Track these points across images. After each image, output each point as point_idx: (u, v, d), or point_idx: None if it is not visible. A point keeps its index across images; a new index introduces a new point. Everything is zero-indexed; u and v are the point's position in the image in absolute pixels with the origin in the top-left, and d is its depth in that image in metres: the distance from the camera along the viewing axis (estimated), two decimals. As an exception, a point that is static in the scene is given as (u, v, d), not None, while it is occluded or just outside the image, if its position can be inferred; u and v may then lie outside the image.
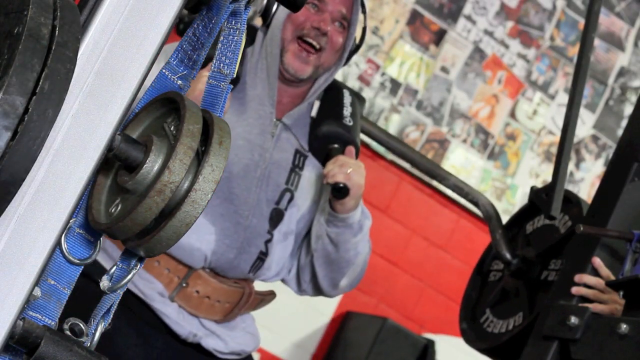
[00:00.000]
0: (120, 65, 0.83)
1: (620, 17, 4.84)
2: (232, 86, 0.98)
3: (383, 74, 4.46)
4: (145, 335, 2.10)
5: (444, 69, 4.57)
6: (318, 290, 2.26)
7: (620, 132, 4.71)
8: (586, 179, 4.78)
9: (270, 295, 2.26)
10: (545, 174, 4.67)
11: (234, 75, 0.97)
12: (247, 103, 2.13)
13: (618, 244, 1.93)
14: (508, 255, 2.33)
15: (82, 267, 0.90)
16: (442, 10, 4.54)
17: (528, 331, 2.05)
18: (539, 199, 2.25)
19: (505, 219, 2.47)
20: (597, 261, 1.91)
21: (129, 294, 2.08)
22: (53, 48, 0.73)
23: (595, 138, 4.81)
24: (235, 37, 0.97)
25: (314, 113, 2.22)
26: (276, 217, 2.14)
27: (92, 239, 0.91)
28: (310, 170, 2.19)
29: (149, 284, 2.09)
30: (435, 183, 4.48)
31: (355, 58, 4.34)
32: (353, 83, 4.39)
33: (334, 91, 2.25)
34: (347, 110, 2.22)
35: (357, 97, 2.30)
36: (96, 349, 0.88)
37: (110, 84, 0.82)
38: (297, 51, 2.10)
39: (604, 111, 4.82)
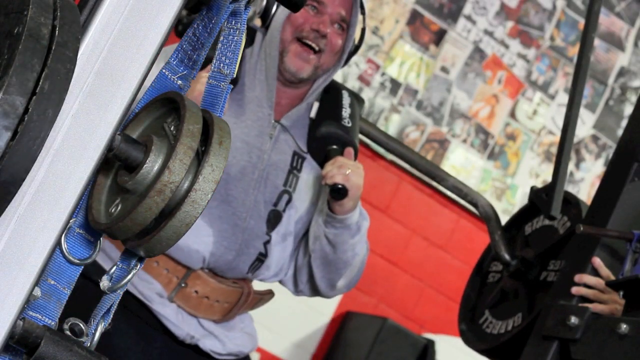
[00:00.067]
0: (120, 65, 0.83)
1: (620, 17, 4.84)
2: (232, 86, 0.98)
3: (383, 74, 4.46)
4: (144, 335, 2.11)
5: (444, 69, 4.57)
6: (315, 291, 2.26)
7: (620, 132, 4.71)
8: (586, 179, 4.78)
9: (268, 295, 2.26)
10: (545, 174, 4.67)
11: (234, 76, 0.97)
12: (246, 105, 2.13)
13: (618, 244, 1.93)
14: (507, 256, 2.33)
15: (82, 267, 0.91)
16: (442, 10, 4.54)
17: (527, 332, 2.05)
18: (539, 199, 2.25)
19: (505, 219, 2.47)
20: (597, 261, 1.91)
21: (127, 294, 2.08)
22: (53, 48, 0.73)
23: (595, 138, 4.81)
24: (235, 37, 0.97)
25: (313, 114, 2.22)
26: (274, 219, 2.14)
27: (92, 239, 0.91)
28: (308, 172, 2.19)
29: (147, 285, 2.09)
30: (435, 183, 4.47)
31: (355, 58, 4.34)
32: (353, 83, 4.39)
33: (333, 92, 2.25)
34: (345, 112, 2.22)
35: (356, 98, 2.30)
36: (96, 349, 0.88)
37: (110, 84, 0.82)
38: (298, 51, 2.10)
39: (604, 111, 4.82)
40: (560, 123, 2.30)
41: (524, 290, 2.26)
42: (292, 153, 2.17)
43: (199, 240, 2.07)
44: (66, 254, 0.89)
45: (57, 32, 0.73)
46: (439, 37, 4.55)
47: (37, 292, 0.85)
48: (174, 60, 0.96)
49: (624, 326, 1.69)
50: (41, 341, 0.80)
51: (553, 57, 4.74)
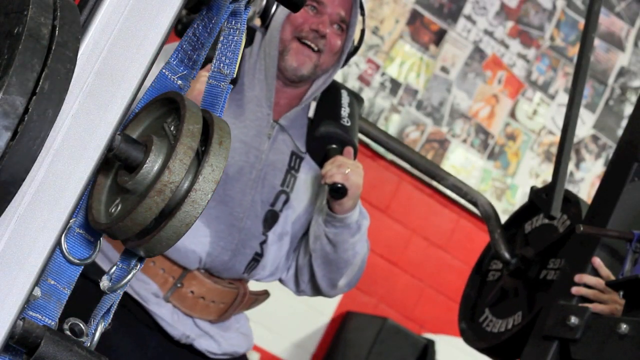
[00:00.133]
0: (120, 65, 0.83)
1: (620, 17, 4.84)
2: (232, 86, 0.98)
3: (383, 74, 4.46)
4: (140, 335, 2.11)
5: (444, 69, 4.57)
6: (316, 291, 2.26)
7: (620, 132, 4.71)
8: (586, 179, 4.78)
9: (264, 295, 2.26)
10: (545, 174, 4.67)
11: (234, 75, 0.97)
12: (245, 105, 2.13)
13: (618, 244, 1.93)
14: (507, 255, 2.33)
15: (82, 267, 0.91)
16: (442, 10, 4.54)
17: (527, 330, 2.05)
18: (539, 199, 2.26)
19: (505, 219, 2.47)
20: (597, 261, 1.91)
21: (124, 294, 2.08)
22: (53, 48, 0.72)
23: (595, 138, 4.81)
24: (235, 37, 0.97)
25: (311, 114, 2.22)
26: (271, 219, 2.14)
27: (92, 239, 0.91)
28: (306, 172, 2.19)
29: (143, 285, 2.10)
30: (435, 183, 4.48)
31: (355, 58, 4.34)
32: (353, 83, 4.39)
33: (332, 92, 2.25)
34: (345, 111, 2.22)
35: (356, 98, 2.30)
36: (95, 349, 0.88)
37: (110, 84, 0.82)
38: (300, 49, 2.11)
39: (604, 111, 4.82)
40: (560, 123, 2.30)
41: (524, 288, 2.26)
42: (290, 153, 2.17)
43: (195, 240, 2.07)
44: (66, 254, 0.89)
45: (57, 32, 0.73)
46: (439, 37, 4.55)
47: (37, 292, 0.85)
48: (174, 60, 0.96)
49: (624, 326, 1.69)
50: (41, 341, 0.80)
51: (553, 57, 4.74)
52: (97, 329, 0.91)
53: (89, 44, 0.82)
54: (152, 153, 0.85)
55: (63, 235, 0.87)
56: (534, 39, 4.70)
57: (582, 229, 1.88)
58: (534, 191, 2.31)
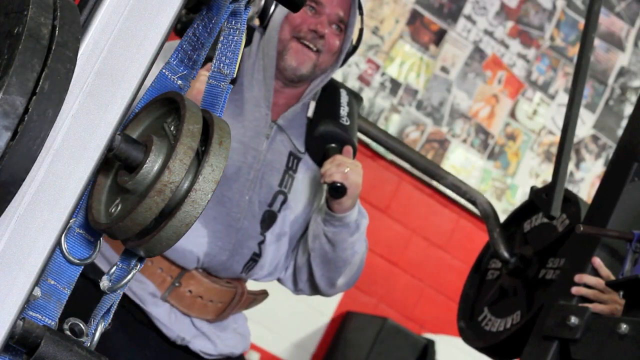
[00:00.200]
0: (120, 65, 0.83)
1: (620, 17, 4.84)
2: (232, 86, 0.98)
3: (383, 74, 4.46)
4: (138, 335, 2.11)
5: (444, 69, 4.57)
6: (315, 290, 2.26)
7: (620, 132, 4.71)
8: (586, 179, 4.77)
9: (262, 295, 2.26)
10: (545, 174, 4.67)
11: (234, 75, 0.97)
12: (243, 105, 2.13)
13: (618, 244, 1.92)
14: (506, 254, 2.33)
15: (82, 267, 0.91)
16: (442, 10, 4.54)
17: (526, 330, 2.05)
18: (539, 198, 2.25)
19: (504, 218, 2.47)
20: (597, 261, 1.91)
21: (122, 294, 2.08)
22: (53, 48, 0.72)
23: (595, 138, 4.81)
24: (235, 37, 0.97)
25: (310, 113, 2.22)
26: (268, 219, 2.14)
27: (92, 239, 0.91)
28: (304, 172, 2.19)
29: (140, 285, 2.10)
30: (435, 183, 4.48)
31: (355, 58, 4.34)
32: (353, 83, 4.39)
33: (331, 91, 2.25)
34: (344, 110, 2.22)
35: (355, 97, 2.30)
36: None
37: (110, 84, 0.82)
38: (299, 48, 2.11)
39: (604, 111, 4.82)
40: (560, 123, 2.30)
41: (523, 288, 2.26)
42: (288, 153, 2.17)
43: (193, 240, 2.07)
44: (66, 254, 0.89)
45: (57, 32, 0.73)
46: (439, 37, 4.55)
47: (37, 292, 0.85)
48: (174, 60, 0.96)
49: (624, 326, 1.69)
50: (41, 341, 0.80)
51: (553, 57, 4.74)
52: (97, 329, 0.91)
53: (89, 44, 0.82)
54: (152, 153, 0.85)
55: (63, 235, 0.87)
56: (534, 39, 4.70)
57: (582, 229, 1.88)
58: (534, 191, 2.31)
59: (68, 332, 0.87)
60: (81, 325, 0.88)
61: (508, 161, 4.66)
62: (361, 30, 2.21)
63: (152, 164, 0.85)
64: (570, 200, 2.24)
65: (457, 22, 4.56)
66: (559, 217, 2.25)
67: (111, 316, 0.92)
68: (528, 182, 4.60)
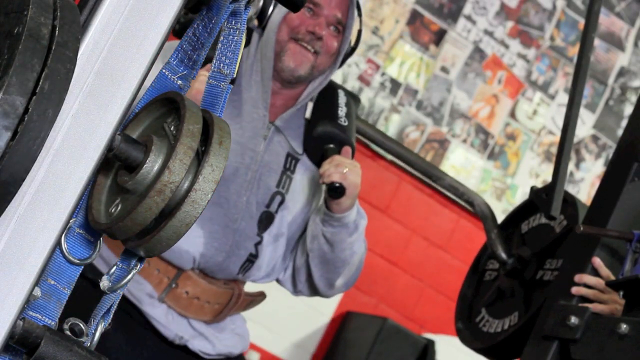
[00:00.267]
0: (120, 65, 0.83)
1: (620, 17, 4.84)
2: (232, 86, 0.98)
3: (383, 74, 4.46)
4: (136, 335, 2.11)
5: (444, 69, 4.57)
6: (314, 291, 2.26)
7: (620, 132, 4.71)
8: (586, 179, 4.77)
9: (260, 297, 2.26)
10: (545, 174, 4.67)
11: (234, 75, 0.97)
12: (241, 106, 2.13)
13: (618, 244, 1.92)
14: (503, 255, 2.33)
15: (82, 267, 0.91)
16: (442, 10, 4.54)
17: (524, 331, 2.05)
18: (539, 198, 2.25)
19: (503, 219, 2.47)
20: (597, 261, 1.91)
21: None
22: (53, 48, 0.72)
23: (595, 138, 4.81)
24: (235, 37, 0.97)
25: (308, 114, 2.22)
26: (266, 220, 2.14)
27: (92, 239, 0.91)
28: (302, 173, 2.19)
29: (137, 286, 2.10)
30: (435, 183, 4.48)
31: (355, 58, 4.35)
32: (353, 83, 4.39)
33: (329, 92, 2.25)
34: (342, 111, 2.23)
35: (352, 97, 2.30)
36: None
37: (110, 84, 0.82)
38: (297, 49, 2.10)
39: (604, 111, 4.82)
40: (560, 123, 2.30)
41: (521, 289, 2.26)
42: (286, 154, 2.17)
43: (189, 241, 2.07)
44: (66, 254, 0.89)
45: (57, 32, 0.73)
46: (439, 37, 4.54)
47: (37, 292, 0.85)
48: (174, 60, 0.96)
49: (624, 326, 1.69)
50: (41, 341, 0.80)
51: (553, 57, 4.74)
52: (97, 329, 0.91)
53: (89, 44, 0.82)
54: (152, 153, 0.85)
55: (63, 235, 0.87)
56: (534, 39, 4.70)
57: (582, 228, 1.88)
58: (534, 191, 2.31)
59: (68, 332, 0.87)
60: (81, 325, 0.88)
61: (508, 161, 4.66)
62: (359, 32, 2.21)
63: (152, 164, 0.85)
64: (568, 201, 2.24)
65: (457, 22, 4.56)
66: (556, 218, 2.25)
67: (111, 316, 0.92)
68: (528, 182, 4.59)
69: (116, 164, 0.90)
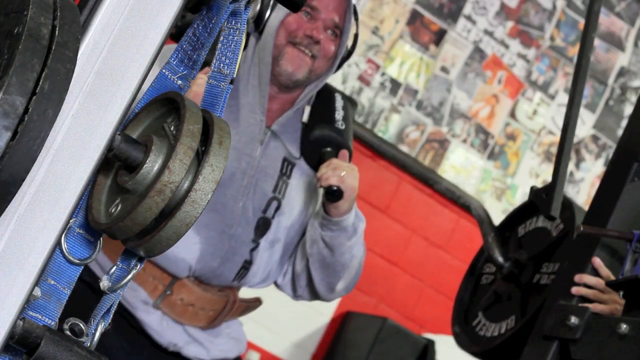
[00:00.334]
0: (120, 65, 0.83)
1: (620, 17, 4.84)
2: (232, 86, 0.98)
3: (383, 74, 4.45)
4: (132, 341, 2.11)
5: (444, 69, 4.56)
6: (314, 295, 2.26)
7: (620, 132, 4.71)
8: (586, 179, 4.77)
9: (255, 302, 2.26)
10: (545, 174, 4.67)
11: (234, 75, 0.97)
12: (239, 111, 2.13)
13: (618, 244, 1.92)
14: (500, 259, 2.33)
15: (82, 267, 0.90)
16: (442, 10, 4.54)
17: (521, 335, 2.05)
18: (539, 199, 2.25)
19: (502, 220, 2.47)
20: (597, 261, 1.91)
21: None
22: (53, 48, 0.72)
23: (595, 138, 4.81)
24: (235, 37, 0.97)
25: (305, 118, 2.21)
26: (263, 226, 2.14)
27: (92, 239, 0.91)
28: (298, 178, 2.18)
29: (132, 292, 2.09)
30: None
31: (355, 58, 4.34)
32: (353, 83, 4.39)
33: (326, 95, 2.25)
34: (339, 114, 2.23)
35: (349, 101, 2.30)
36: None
37: (110, 84, 0.82)
38: (294, 53, 2.10)
39: (604, 111, 4.82)
40: (560, 123, 2.30)
41: (517, 292, 2.26)
42: (282, 159, 2.16)
43: (185, 248, 2.07)
44: (66, 254, 0.89)
45: (57, 32, 0.73)
46: (439, 37, 4.54)
47: (37, 292, 0.85)
48: (174, 60, 0.96)
49: (624, 326, 1.69)
50: (41, 341, 0.80)
51: (553, 57, 4.74)
52: (97, 329, 0.91)
53: (89, 44, 0.82)
54: (152, 153, 0.85)
55: (63, 235, 0.87)
56: (534, 39, 4.70)
57: (582, 229, 1.88)
58: (534, 191, 2.30)
59: (68, 332, 0.87)
60: (81, 325, 0.88)
61: (508, 161, 4.66)
62: (356, 36, 2.21)
63: (152, 164, 0.85)
64: (565, 205, 2.24)
65: (457, 22, 4.56)
66: (553, 222, 2.25)
67: (111, 316, 0.92)
68: (528, 182, 4.59)
69: (116, 164, 0.90)
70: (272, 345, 4.22)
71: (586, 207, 2.14)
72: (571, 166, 4.71)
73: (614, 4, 4.81)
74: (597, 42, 4.72)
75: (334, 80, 2.26)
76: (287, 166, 2.17)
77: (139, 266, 0.91)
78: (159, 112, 0.92)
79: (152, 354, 2.13)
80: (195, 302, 2.12)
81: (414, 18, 4.49)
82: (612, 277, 1.88)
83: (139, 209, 0.83)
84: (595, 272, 1.91)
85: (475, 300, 2.40)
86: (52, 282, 0.87)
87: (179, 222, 0.84)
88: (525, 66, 4.69)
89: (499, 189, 4.62)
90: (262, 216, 2.13)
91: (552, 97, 4.74)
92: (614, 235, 1.88)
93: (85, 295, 1.48)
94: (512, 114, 4.67)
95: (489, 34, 4.62)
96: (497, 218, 2.51)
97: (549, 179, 2.27)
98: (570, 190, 4.73)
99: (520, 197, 4.62)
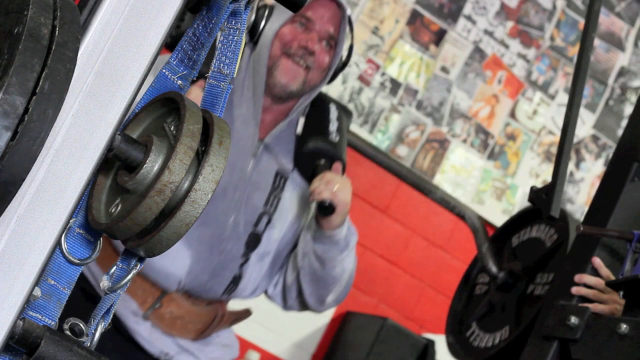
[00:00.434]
0: (120, 65, 0.83)
1: (620, 17, 4.84)
2: (232, 86, 0.98)
3: (383, 74, 4.45)
4: (122, 350, 2.12)
5: (444, 69, 4.56)
6: (304, 307, 2.26)
7: (620, 132, 4.71)
8: (586, 179, 4.77)
9: (245, 314, 2.27)
10: (545, 174, 4.67)
11: (234, 75, 0.97)
12: (232, 124, 2.12)
13: (618, 244, 1.92)
14: (494, 269, 2.32)
15: (82, 267, 0.90)
16: (442, 10, 4.54)
17: (514, 346, 2.05)
18: (539, 199, 2.25)
19: (505, 219, 2.46)
20: (597, 261, 1.91)
21: None
22: (53, 48, 0.72)
23: (595, 138, 4.81)
24: (235, 37, 0.97)
25: (299, 130, 2.21)
26: (254, 242, 2.14)
27: (92, 239, 0.91)
28: (291, 191, 2.18)
29: (122, 303, 2.10)
30: (435, 183, 4.48)
31: (355, 58, 4.34)
32: (353, 83, 4.39)
33: (320, 106, 2.24)
34: (333, 126, 2.22)
35: (344, 111, 2.30)
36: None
37: (110, 84, 0.82)
38: (289, 64, 2.10)
39: (604, 111, 4.82)
40: (560, 123, 2.30)
41: (512, 303, 2.25)
42: (275, 173, 2.16)
43: (175, 262, 2.07)
44: (66, 254, 0.89)
45: (57, 32, 0.73)
46: (439, 37, 4.54)
47: (37, 292, 0.85)
48: (174, 60, 0.96)
49: (624, 326, 1.68)
50: (41, 341, 0.80)
51: (553, 57, 4.74)
52: (97, 329, 0.91)
53: (89, 44, 0.82)
54: (152, 153, 0.85)
55: (63, 235, 0.87)
56: (534, 39, 4.70)
57: (582, 228, 1.88)
58: (534, 191, 2.30)
59: (68, 332, 0.87)
60: (81, 325, 0.88)
61: (508, 161, 4.66)
62: (351, 47, 2.21)
63: (152, 164, 0.85)
64: (560, 215, 2.24)
65: (457, 22, 4.56)
66: (547, 232, 2.25)
67: (111, 316, 0.92)
68: (528, 182, 4.59)
69: (116, 164, 0.90)
70: (272, 345, 4.22)
71: (586, 207, 2.14)
72: (571, 166, 4.71)
73: (614, 4, 4.81)
74: (597, 42, 4.72)
75: (334, 81, 2.26)
76: (279, 180, 2.16)
77: (139, 266, 0.91)
78: (159, 112, 0.92)
79: None
80: (184, 316, 2.13)
81: (414, 18, 4.49)
82: (612, 277, 1.88)
83: (139, 209, 0.83)
84: (595, 272, 1.91)
85: (469, 310, 2.40)
86: (52, 282, 0.87)
87: (179, 222, 0.84)
88: (525, 66, 4.69)
89: (499, 189, 4.62)
90: (253, 231, 2.13)
91: (552, 97, 4.74)
92: (614, 235, 1.88)
93: (78, 299, 1.48)
94: (512, 114, 4.67)
95: (489, 34, 4.62)
96: (497, 218, 2.51)
97: (549, 179, 2.27)
98: (570, 190, 4.73)
99: (520, 197, 4.62)
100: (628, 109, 4.81)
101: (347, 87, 4.36)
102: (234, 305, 2.28)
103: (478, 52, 4.60)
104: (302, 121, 2.20)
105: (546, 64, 4.73)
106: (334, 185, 2.07)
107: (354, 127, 4.34)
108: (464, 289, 2.45)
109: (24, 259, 0.79)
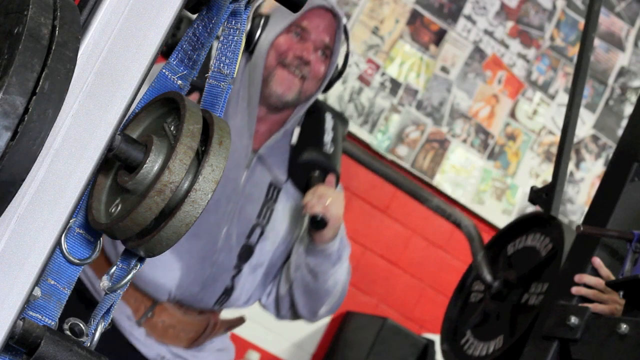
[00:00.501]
0: (120, 65, 0.83)
1: (620, 17, 4.84)
2: (232, 86, 0.98)
3: (383, 74, 4.45)
4: (118, 353, 2.12)
5: (444, 69, 4.56)
6: (297, 317, 2.27)
7: (620, 132, 4.71)
8: (586, 179, 4.77)
9: (238, 322, 2.27)
10: (545, 174, 4.67)
11: (234, 75, 0.97)
12: None
13: (618, 244, 1.92)
14: (489, 278, 2.32)
15: (82, 267, 0.90)
16: (442, 10, 4.54)
17: (509, 355, 2.05)
18: (539, 198, 2.25)
19: (505, 219, 2.47)
20: (597, 261, 1.91)
21: None
22: (53, 48, 0.72)
23: (595, 138, 4.81)
24: (235, 37, 0.97)
25: (294, 140, 2.20)
26: (246, 254, 2.14)
27: (92, 239, 0.91)
28: (284, 202, 2.17)
29: (118, 307, 2.10)
30: (435, 183, 4.48)
31: (355, 58, 4.34)
32: (353, 83, 4.39)
33: (316, 116, 2.24)
34: (328, 136, 2.22)
35: (340, 119, 2.29)
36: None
37: (110, 84, 0.82)
38: (284, 75, 2.10)
39: (604, 111, 4.82)
40: (560, 123, 2.30)
41: (506, 312, 2.25)
42: (268, 184, 2.15)
43: (166, 274, 2.07)
44: (66, 254, 0.89)
45: (57, 32, 0.73)
46: (439, 37, 4.54)
47: (37, 292, 0.85)
48: (174, 60, 0.96)
49: (624, 326, 1.68)
50: (41, 341, 0.80)
51: (553, 57, 4.74)
52: (97, 329, 0.91)
53: (89, 44, 0.82)
54: (152, 153, 0.85)
55: (63, 235, 0.87)
56: (534, 39, 4.70)
57: (582, 229, 1.88)
58: (534, 191, 2.30)
59: (68, 332, 0.87)
60: (81, 325, 0.88)
61: (508, 161, 4.66)
62: (346, 56, 2.21)
63: (152, 164, 0.85)
64: (553, 225, 2.24)
65: (457, 22, 4.56)
66: (542, 241, 2.25)
67: (111, 316, 0.92)
68: (528, 182, 4.59)
69: (116, 164, 0.90)
70: (272, 345, 4.22)
71: (586, 207, 2.14)
72: (571, 166, 4.71)
73: (614, 4, 4.81)
74: (597, 42, 4.72)
75: (335, 85, 2.25)
76: (273, 190, 2.16)
77: (139, 266, 0.91)
78: (159, 112, 0.92)
79: None
80: (176, 325, 2.13)
81: (414, 18, 4.49)
82: (612, 277, 1.88)
83: (139, 209, 0.83)
84: (595, 272, 1.91)
85: (464, 318, 2.40)
86: (52, 282, 0.87)
87: (179, 222, 0.84)
88: (525, 66, 4.69)
89: (499, 189, 4.62)
90: (246, 243, 2.13)
91: (552, 97, 4.74)
92: (614, 235, 1.88)
93: (73, 302, 1.48)
94: (512, 114, 4.67)
95: (489, 34, 4.62)
96: (497, 218, 2.51)
97: (549, 179, 2.27)
98: (570, 190, 4.73)
99: (520, 197, 4.62)
100: (628, 109, 4.81)
101: (347, 87, 4.36)
102: (229, 313, 2.28)
103: (478, 52, 4.60)
104: (297, 131, 2.20)
105: (546, 64, 4.73)
106: (326, 200, 2.07)
107: (354, 128, 4.34)
108: (459, 296, 2.45)
109: (24, 259, 0.79)
